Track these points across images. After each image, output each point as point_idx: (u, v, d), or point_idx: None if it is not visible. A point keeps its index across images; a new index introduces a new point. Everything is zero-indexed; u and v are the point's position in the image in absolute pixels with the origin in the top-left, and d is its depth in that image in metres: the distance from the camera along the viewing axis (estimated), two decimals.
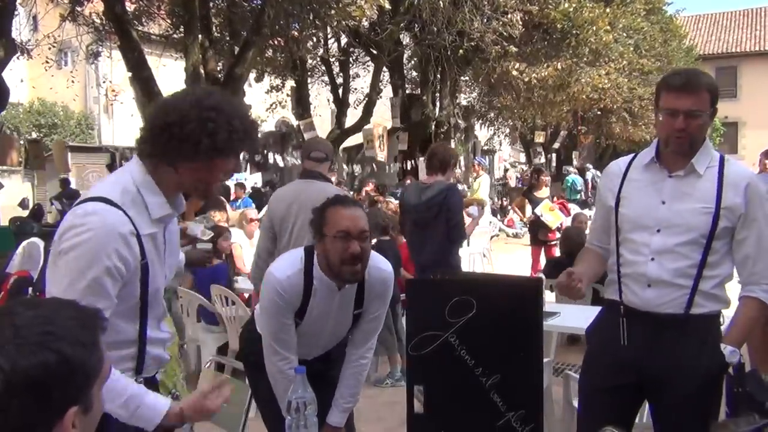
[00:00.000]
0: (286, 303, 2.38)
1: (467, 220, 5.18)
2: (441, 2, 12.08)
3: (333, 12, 9.44)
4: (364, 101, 15.75)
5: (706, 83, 2.24)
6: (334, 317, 2.47)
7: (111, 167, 15.28)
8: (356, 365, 2.61)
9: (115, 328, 1.68)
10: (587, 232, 3.63)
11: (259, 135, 15.45)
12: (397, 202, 10.36)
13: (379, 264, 2.51)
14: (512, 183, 22.14)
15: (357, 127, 15.09)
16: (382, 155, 15.51)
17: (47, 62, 11.63)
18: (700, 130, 2.22)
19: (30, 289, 5.47)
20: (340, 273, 2.32)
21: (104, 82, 16.89)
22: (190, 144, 1.70)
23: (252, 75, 13.49)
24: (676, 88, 2.22)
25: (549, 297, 6.22)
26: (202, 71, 10.24)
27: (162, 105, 1.79)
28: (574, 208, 10.59)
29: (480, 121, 21.28)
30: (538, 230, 8.56)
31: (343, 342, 2.65)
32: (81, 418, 1.04)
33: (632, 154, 2.49)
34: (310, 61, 15.38)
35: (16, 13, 9.30)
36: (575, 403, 2.85)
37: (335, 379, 2.61)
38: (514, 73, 13.35)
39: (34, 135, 20.09)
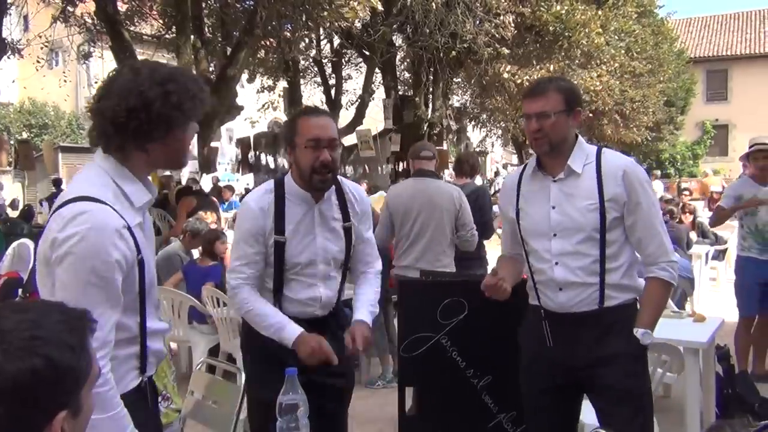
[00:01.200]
0: (256, 217, 2.38)
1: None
2: (433, 4, 12.09)
3: (325, 13, 9.43)
4: (357, 102, 15.75)
5: (556, 86, 2.35)
6: (321, 232, 2.44)
7: None
8: (369, 276, 2.61)
9: (119, 324, 1.66)
10: None
11: (251, 137, 15.32)
12: None
13: (351, 182, 2.59)
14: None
15: (349, 128, 15.08)
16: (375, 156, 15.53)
17: (38, 62, 11.56)
18: (554, 128, 2.31)
19: (20, 290, 5.44)
20: (311, 181, 2.34)
21: (96, 82, 16.81)
22: (161, 122, 1.66)
23: (244, 76, 13.46)
24: (527, 95, 2.39)
25: None
26: (194, 72, 10.22)
27: (115, 92, 1.68)
28: None
29: (472, 123, 21.32)
30: None
31: (344, 312, 2.61)
32: (70, 422, 1.03)
33: (522, 165, 2.59)
34: (302, 62, 15.37)
35: (9, 12, 9.26)
36: None
37: (338, 389, 2.54)
38: (506, 75, 13.38)
39: (24, 135, 19.98)
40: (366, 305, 2.55)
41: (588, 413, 2.50)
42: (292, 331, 2.34)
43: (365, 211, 2.56)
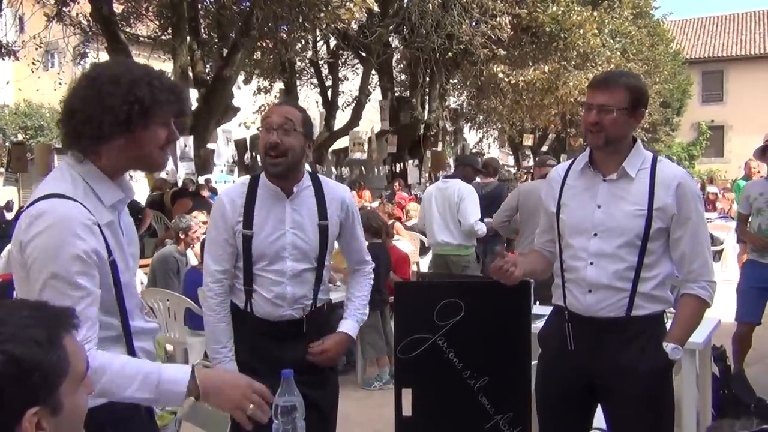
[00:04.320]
0: (226, 209, 2.40)
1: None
2: (430, 5, 12.11)
3: (322, 14, 9.44)
4: (353, 104, 15.75)
5: (625, 82, 2.29)
6: (292, 228, 2.40)
7: None
8: (360, 278, 2.66)
9: (102, 323, 1.65)
10: None
11: (248, 138, 15.28)
12: (392, 206, 10.39)
13: (336, 183, 2.62)
14: None
15: (346, 130, 15.08)
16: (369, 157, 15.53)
17: (33, 64, 11.52)
18: (612, 125, 2.25)
19: (15, 293, 5.41)
20: (265, 166, 2.35)
21: None
22: (95, 128, 1.62)
23: (240, 77, 13.45)
24: (594, 85, 2.31)
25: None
26: (191, 73, 10.21)
27: (70, 96, 1.67)
28: None
29: (469, 124, 21.34)
30: None
31: (328, 318, 2.58)
32: (49, 420, 1.02)
33: (570, 160, 2.53)
34: (298, 63, 15.37)
35: (2, 13, 9.24)
36: None
37: (322, 406, 2.47)
38: (500, 75, 13.41)
39: (20, 137, 19.92)
40: (356, 314, 2.59)
41: (601, 420, 2.48)
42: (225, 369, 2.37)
43: (350, 210, 2.54)
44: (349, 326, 2.56)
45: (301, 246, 2.41)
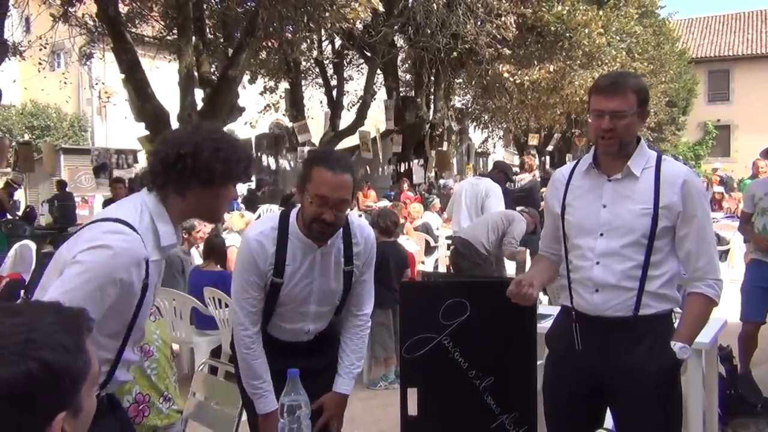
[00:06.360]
0: (257, 255, 2.32)
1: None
2: (435, 5, 12.11)
3: (327, 14, 9.44)
4: (358, 103, 15.76)
5: (632, 84, 2.27)
6: (320, 276, 2.39)
7: (99, 169, 15.19)
8: (356, 328, 2.56)
9: (99, 343, 1.70)
10: None
11: (252, 138, 15.28)
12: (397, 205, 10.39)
13: (362, 223, 2.56)
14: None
15: (351, 130, 15.09)
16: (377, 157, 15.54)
17: (40, 64, 11.55)
18: (626, 130, 2.24)
19: (22, 291, 5.44)
20: (310, 228, 2.28)
21: (97, 83, 16.77)
22: (204, 171, 1.83)
23: (246, 77, 13.47)
24: (602, 90, 2.27)
25: (542, 299, 6.23)
26: (196, 73, 10.23)
27: (173, 139, 1.90)
28: None
29: (474, 124, 21.33)
30: None
31: (334, 328, 2.58)
32: (70, 422, 1.02)
33: (574, 161, 2.53)
34: (303, 63, 15.39)
35: (8, 14, 9.28)
36: None
37: (330, 381, 2.54)
38: (506, 75, 13.40)
39: (26, 137, 19.99)
40: (350, 369, 2.53)
41: (610, 420, 2.47)
42: (269, 404, 2.35)
43: (370, 254, 2.50)
44: (344, 384, 2.51)
45: (326, 292, 2.43)
